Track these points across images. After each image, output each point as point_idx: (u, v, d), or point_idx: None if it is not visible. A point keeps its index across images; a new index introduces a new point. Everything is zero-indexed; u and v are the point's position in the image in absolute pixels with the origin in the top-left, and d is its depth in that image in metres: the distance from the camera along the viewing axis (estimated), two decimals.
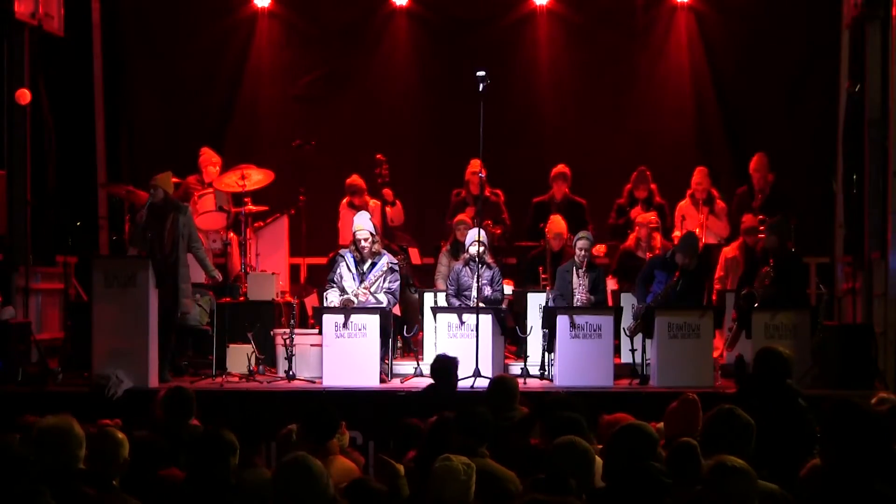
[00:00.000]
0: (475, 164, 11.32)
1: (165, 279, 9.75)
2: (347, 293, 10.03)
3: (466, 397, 8.39)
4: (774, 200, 11.37)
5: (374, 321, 9.72)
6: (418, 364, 10.39)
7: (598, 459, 5.57)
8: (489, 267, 10.39)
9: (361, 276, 10.08)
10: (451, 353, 8.67)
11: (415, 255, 11.77)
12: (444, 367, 8.34)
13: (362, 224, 10.20)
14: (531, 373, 10.12)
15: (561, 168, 11.97)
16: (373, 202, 11.76)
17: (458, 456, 4.83)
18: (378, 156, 11.66)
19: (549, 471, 4.82)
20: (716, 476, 4.25)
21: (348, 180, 11.86)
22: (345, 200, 11.92)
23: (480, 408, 5.99)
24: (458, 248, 11.04)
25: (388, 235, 11.52)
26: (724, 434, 4.90)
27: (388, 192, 11.76)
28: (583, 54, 13.52)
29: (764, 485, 4.68)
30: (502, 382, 7.27)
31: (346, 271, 10.13)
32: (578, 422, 5.71)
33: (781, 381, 6.28)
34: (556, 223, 10.93)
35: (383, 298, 10.02)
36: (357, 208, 11.59)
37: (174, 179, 11.42)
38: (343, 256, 10.24)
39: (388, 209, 11.77)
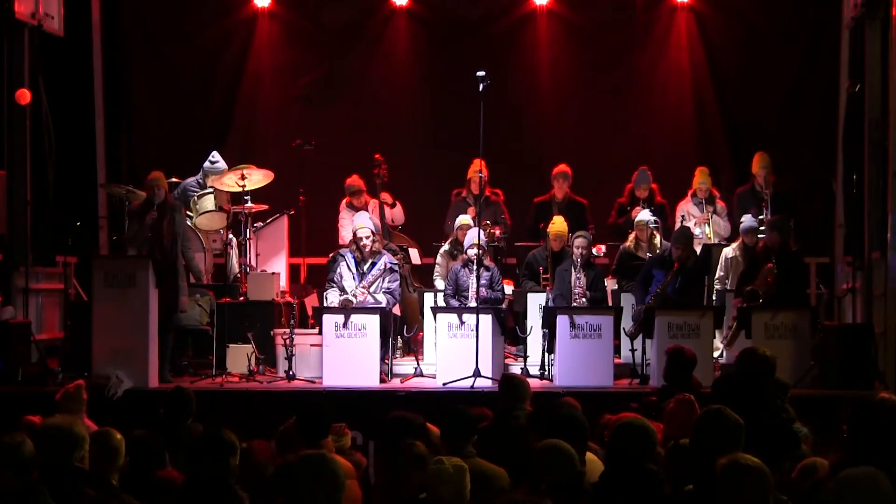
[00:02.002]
0: (477, 164, 11.32)
1: (165, 278, 9.75)
2: (347, 293, 10.04)
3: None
4: (776, 200, 11.36)
5: (374, 321, 9.72)
6: (418, 364, 10.39)
7: (596, 460, 5.58)
8: (487, 268, 10.40)
9: (361, 276, 10.09)
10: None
11: (415, 256, 11.76)
12: (679, 360, 8.04)
13: (363, 223, 10.22)
14: (531, 373, 10.12)
15: (562, 167, 11.97)
16: (372, 201, 11.76)
17: (451, 458, 4.83)
18: (376, 156, 11.66)
19: (534, 473, 4.81)
20: (729, 475, 4.20)
21: (347, 181, 11.87)
22: (344, 201, 11.92)
23: (463, 407, 5.97)
24: (457, 249, 11.04)
25: (387, 235, 11.51)
26: (713, 435, 4.90)
27: (386, 195, 11.75)
28: (583, 54, 13.53)
29: None
30: (507, 381, 7.26)
31: (346, 271, 10.15)
32: (573, 423, 5.68)
33: (760, 383, 6.28)
34: (558, 224, 10.93)
35: (382, 298, 10.02)
36: (357, 209, 11.61)
37: (175, 179, 11.45)
38: (343, 256, 10.25)
39: (388, 210, 11.76)
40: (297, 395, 9.38)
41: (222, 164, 11.54)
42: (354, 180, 11.83)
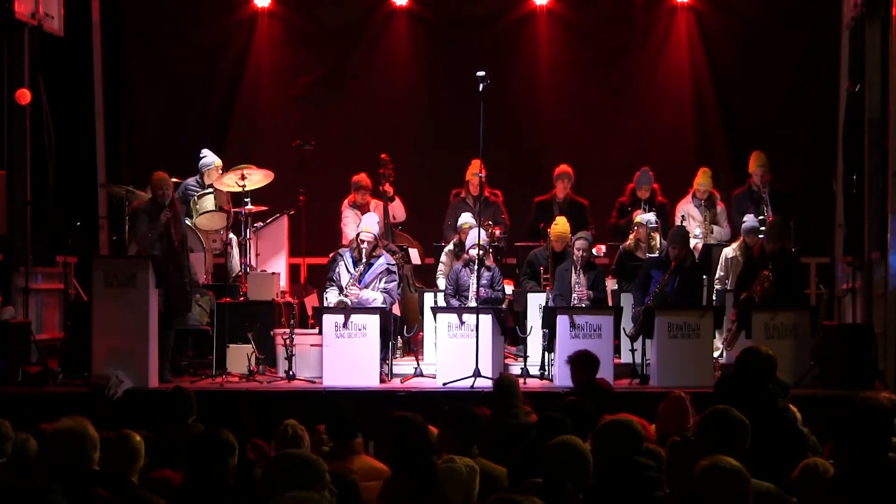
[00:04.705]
0: (475, 165, 11.31)
1: (175, 279, 9.73)
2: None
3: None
4: (774, 199, 11.36)
5: (374, 321, 9.72)
6: (418, 364, 10.39)
7: None
8: (488, 268, 10.40)
9: (359, 276, 10.09)
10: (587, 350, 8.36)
11: (415, 256, 11.75)
12: (586, 360, 8.13)
13: (370, 227, 10.20)
14: (531, 373, 10.12)
15: (564, 168, 11.95)
16: (374, 202, 11.75)
17: (463, 458, 4.82)
18: (382, 155, 11.65)
19: (545, 473, 4.81)
20: (709, 477, 4.23)
21: (355, 177, 11.80)
22: (347, 199, 11.88)
23: (470, 408, 5.97)
24: (461, 249, 11.04)
25: (389, 235, 11.51)
26: (718, 434, 4.90)
27: (388, 188, 11.73)
28: (583, 54, 13.53)
29: (759, 484, 4.68)
30: (498, 381, 7.28)
31: (344, 271, 10.15)
32: (565, 423, 5.69)
33: (761, 382, 6.28)
34: (561, 225, 10.92)
35: (378, 296, 10.01)
36: (359, 207, 11.59)
37: (175, 179, 11.44)
38: (342, 256, 10.26)
39: (389, 206, 11.75)
40: (297, 396, 9.39)
41: (210, 158, 11.54)
42: (362, 178, 11.78)
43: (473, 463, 4.81)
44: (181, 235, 9.95)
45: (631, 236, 11.35)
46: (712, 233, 11.64)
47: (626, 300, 10.63)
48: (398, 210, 11.95)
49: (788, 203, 11.45)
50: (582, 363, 8.05)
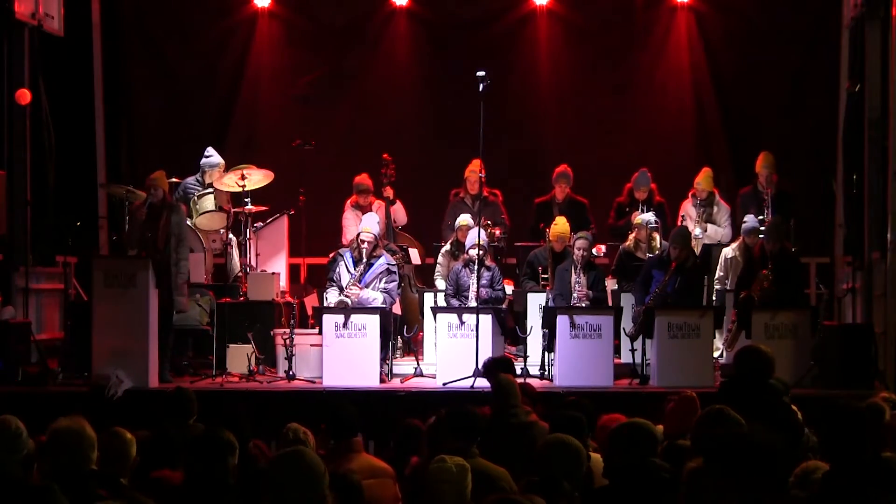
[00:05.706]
0: (474, 165, 11.31)
1: (160, 278, 9.74)
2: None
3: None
4: (777, 201, 11.35)
5: (374, 321, 9.72)
6: (418, 364, 10.39)
7: (597, 458, 5.58)
8: (488, 268, 10.40)
9: (360, 276, 10.09)
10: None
11: (415, 256, 11.75)
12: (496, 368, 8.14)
13: (370, 227, 10.20)
14: (531, 373, 10.12)
15: (563, 168, 11.95)
16: (377, 202, 11.75)
17: (453, 457, 4.83)
18: (384, 155, 11.66)
19: (541, 471, 4.81)
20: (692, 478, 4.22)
21: (356, 178, 11.79)
22: (350, 200, 11.87)
23: (470, 407, 5.98)
24: (458, 249, 11.04)
25: (391, 235, 11.51)
26: (714, 434, 4.90)
27: (389, 190, 11.74)
28: (583, 54, 13.53)
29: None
30: (497, 382, 7.28)
31: (344, 271, 10.15)
32: (579, 421, 5.71)
33: (762, 381, 6.28)
34: (560, 225, 10.92)
35: (378, 296, 10.01)
36: (362, 208, 11.59)
37: (175, 179, 11.44)
38: (342, 256, 10.26)
39: (390, 209, 11.76)
40: (297, 396, 9.39)
41: (216, 158, 11.54)
42: (363, 179, 11.77)
43: (464, 462, 4.80)
44: (167, 236, 9.91)
45: (631, 236, 11.35)
46: (706, 231, 11.63)
47: (626, 300, 10.63)
48: (399, 214, 11.95)
49: (793, 203, 11.44)
50: (492, 372, 7.97)
